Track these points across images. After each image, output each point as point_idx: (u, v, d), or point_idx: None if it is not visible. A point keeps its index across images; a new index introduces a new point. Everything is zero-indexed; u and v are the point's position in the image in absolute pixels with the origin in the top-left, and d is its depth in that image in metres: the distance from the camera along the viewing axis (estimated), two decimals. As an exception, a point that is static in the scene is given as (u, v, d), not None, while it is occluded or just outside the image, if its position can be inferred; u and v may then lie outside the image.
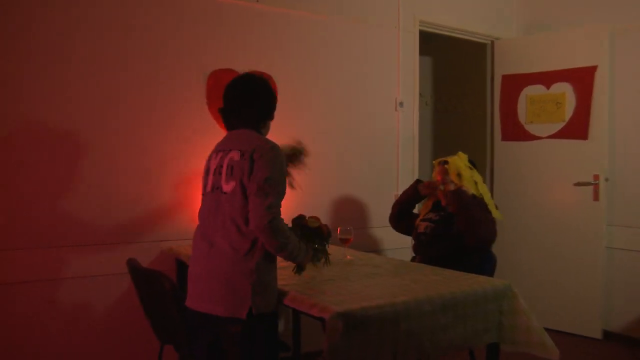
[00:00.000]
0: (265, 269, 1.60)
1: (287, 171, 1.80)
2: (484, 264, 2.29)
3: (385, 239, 3.22)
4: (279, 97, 2.80)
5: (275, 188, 1.51)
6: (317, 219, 1.90)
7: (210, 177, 1.66)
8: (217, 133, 2.58)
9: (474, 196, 2.34)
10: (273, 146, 1.57)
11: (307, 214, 1.98)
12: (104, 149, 2.43)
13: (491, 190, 3.67)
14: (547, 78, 3.43)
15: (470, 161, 2.47)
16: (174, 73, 2.59)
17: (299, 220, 1.88)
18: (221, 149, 1.67)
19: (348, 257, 2.28)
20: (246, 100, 1.66)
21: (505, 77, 3.64)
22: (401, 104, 3.30)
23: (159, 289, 1.76)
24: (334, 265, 2.11)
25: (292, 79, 2.92)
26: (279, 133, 2.88)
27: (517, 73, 3.57)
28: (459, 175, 2.36)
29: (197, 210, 1.73)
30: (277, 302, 1.63)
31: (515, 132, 3.59)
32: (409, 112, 3.36)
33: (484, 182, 2.51)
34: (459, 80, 4.53)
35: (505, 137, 3.65)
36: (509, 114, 3.62)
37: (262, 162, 1.52)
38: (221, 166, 1.60)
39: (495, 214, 2.35)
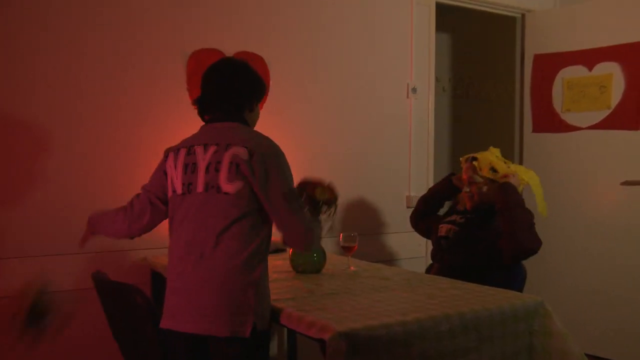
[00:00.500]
0: (266, 279, 1.65)
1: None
2: (512, 277, 2.29)
3: (395, 247, 3.22)
4: (272, 84, 2.91)
5: (298, 197, 1.65)
6: (322, 184, 1.83)
7: (182, 175, 1.66)
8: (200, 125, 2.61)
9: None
10: (279, 148, 1.66)
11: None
12: (66, 144, 2.44)
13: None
14: (589, 57, 3.38)
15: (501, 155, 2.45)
16: (149, 54, 2.60)
17: (304, 188, 1.82)
18: (204, 142, 1.66)
19: (352, 268, 2.30)
20: (230, 88, 1.69)
21: (539, 57, 3.62)
22: (414, 89, 3.32)
23: (129, 304, 1.76)
24: (336, 278, 2.12)
25: (287, 63, 2.95)
26: (271, 126, 2.95)
27: (552, 52, 3.55)
28: (493, 170, 2.32)
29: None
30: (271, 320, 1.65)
31: (549, 122, 3.58)
32: (423, 99, 3.37)
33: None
34: (483, 61, 4.52)
35: (537, 128, 3.64)
36: (542, 100, 3.60)
37: (279, 170, 1.61)
38: (219, 162, 1.61)
39: (541, 207, 2.33)
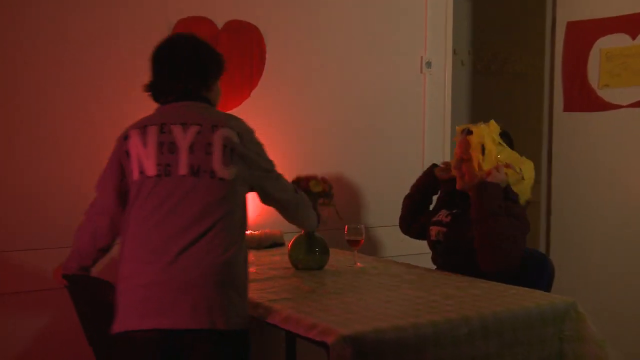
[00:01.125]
0: (246, 270, 1.70)
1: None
2: (537, 273, 2.26)
3: (407, 240, 3.21)
4: (268, 58, 2.89)
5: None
6: (315, 177, 2.16)
7: (158, 155, 1.64)
8: None
9: (507, 192, 2.23)
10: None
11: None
12: (35, 126, 2.43)
13: (549, 177, 3.64)
14: (632, 23, 3.29)
15: (504, 134, 2.38)
16: (129, 24, 2.58)
17: (298, 184, 2.09)
18: (181, 121, 1.67)
19: (358, 264, 2.31)
20: (185, 66, 1.73)
21: (572, 25, 3.57)
22: (428, 64, 3.30)
23: (102, 303, 1.77)
24: (340, 275, 2.14)
25: (285, 33, 2.94)
26: (267, 104, 2.95)
27: (588, 19, 3.50)
28: (483, 150, 2.27)
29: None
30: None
31: (584, 99, 3.54)
32: (439, 74, 3.35)
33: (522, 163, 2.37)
34: (507, 31, 4.48)
35: (570, 106, 3.61)
36: (575, 74, 3.57)
37: (259, 148, 1.76)
38: (209, 144, 1.63)
39: (524, 192, 2.27)
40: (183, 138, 1.64)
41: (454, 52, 4.00)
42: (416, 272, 2.17)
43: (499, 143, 2.32)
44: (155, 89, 1.77)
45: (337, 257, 2.43)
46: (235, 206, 1.65)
